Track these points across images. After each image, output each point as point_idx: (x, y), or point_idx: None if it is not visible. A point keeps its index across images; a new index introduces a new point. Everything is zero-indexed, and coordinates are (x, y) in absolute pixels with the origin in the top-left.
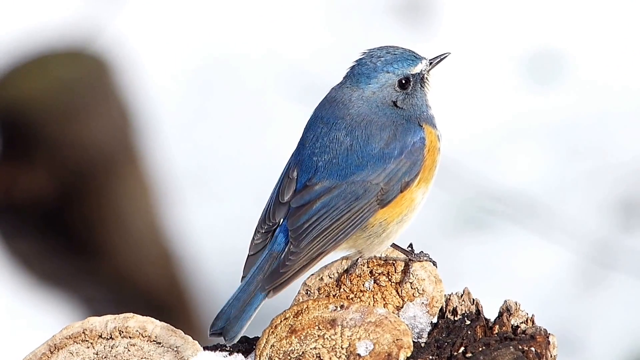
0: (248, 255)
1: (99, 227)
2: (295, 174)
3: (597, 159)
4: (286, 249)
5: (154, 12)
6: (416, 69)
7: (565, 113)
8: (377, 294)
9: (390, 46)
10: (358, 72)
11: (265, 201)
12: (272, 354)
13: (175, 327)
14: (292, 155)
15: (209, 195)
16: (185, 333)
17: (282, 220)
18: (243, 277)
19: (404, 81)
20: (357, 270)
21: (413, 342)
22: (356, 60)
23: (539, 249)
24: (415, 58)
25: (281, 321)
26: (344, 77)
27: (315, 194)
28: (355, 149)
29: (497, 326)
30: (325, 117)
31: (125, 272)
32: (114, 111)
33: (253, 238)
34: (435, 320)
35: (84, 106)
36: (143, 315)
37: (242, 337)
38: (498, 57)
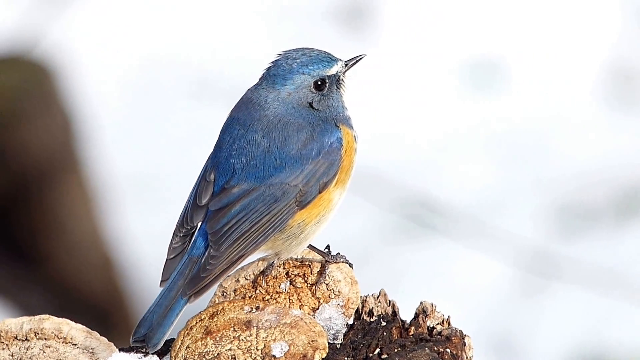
0: (167, 259)
1: (39, 234)
2: (212, 176)
3: (537, 168)
4: (206, 253)
5: (94, 18)
6: (332, 71)
7: (505, 122)
8: (293, 295)
9: (306, 48)
10: (274, 74)
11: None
12: (187, 356)
13: (115, 333)
14: (209, 157)
15: (148, 201)
16: (124, 339)
17: (200, 223)
18: (162, 282)
19: (319, 82)
20: (273, 271)
21: (328, 343)
22: (272, 62)
23: (478, 258)
24: (330, 60)
25: (196, 322)
26: (260, 79)
27: (234, 196)
28: (273, 150)
29: (413, 327)
30: (242, 118)
31: (65, 279)
32: (56, 117)
33: (171, 242)
34: (351, 321)
35: (25, 112)
36: (80, 321)
37: None
38: (438, 65)
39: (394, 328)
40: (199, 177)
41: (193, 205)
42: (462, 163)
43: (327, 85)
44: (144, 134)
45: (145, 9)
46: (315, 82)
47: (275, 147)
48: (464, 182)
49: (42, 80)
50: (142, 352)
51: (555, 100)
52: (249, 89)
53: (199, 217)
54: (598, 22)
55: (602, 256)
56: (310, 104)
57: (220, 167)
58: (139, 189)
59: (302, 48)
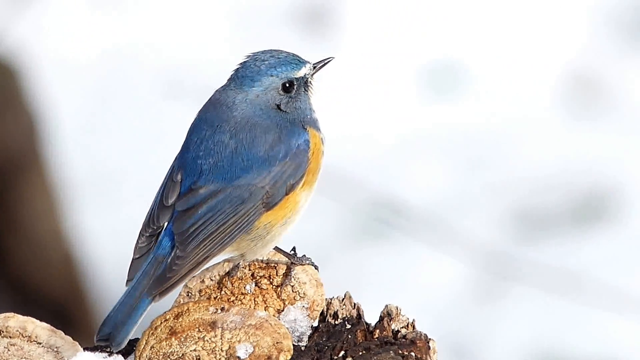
0: (132, 259)
1: (0, 230)
2: (179, 177)
3: (496, 172)
4: (172, 253)
5: (58, 17)
6: (300, 73)
7: (465, 126)
8: (258, 297)
9: (274, 50)
10: (242, 75)
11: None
12: (152, 356)
13: (74, 331)
14: (176, 158)
15: (109, 200)
16: (84, 337)
17: (166, 224)
18: (128, 281)
19: (287, 85)
20: (238, 273)
21: (293, 345)
22: (240, 63)
23: (438, 260)
24: (299, 62)
25: (161, 322)
26: (228, 80)
27: (201, 197)
28: (240, 151)
29: (377, 330)
30: (210, 119)
31: (25, 276)
32: (19, 116)
33: (137, 241)
34: (316, 323)
35: None
36: (39, 319)
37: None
38: (400, 68)
39: (358, 331)
40: (165, 177)
41: (159, 205)
42: (424, 165)
43: (294, 87)
44: (106, 133)
45: (109, 9)
46: (284, 84)
47: (242, 148)
48: (425, 184)
49: (5, 79)
50: (107, 352)
51: (515, 105)
52: (217, 90)
53: (165, 217)
54: (560, 27)
55: (559, 260)
56: (278, 106)
57: (187, 167)
58: (100, 188)
59: (271, 50)
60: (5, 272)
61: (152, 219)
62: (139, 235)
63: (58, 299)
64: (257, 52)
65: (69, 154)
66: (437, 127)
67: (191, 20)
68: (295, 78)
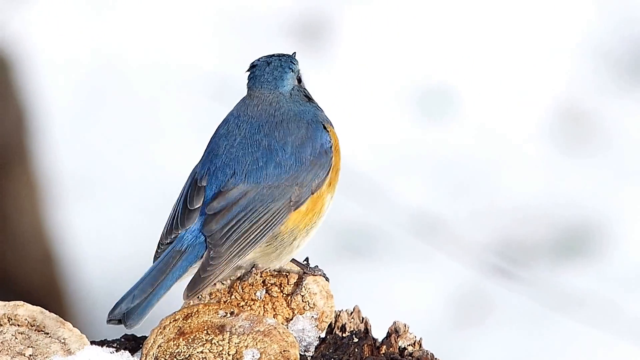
0: None
1: None
2: (204, 182)
3: (480, 199)
4: (204, 255)
5: (54, 12)
6: (299, 65)
7: (453, 151)
8: (268, 304)
9: (271, 53)
10: (269, 77)
11: (147, 211)
12: (159, 354)
13: None
14: (201, 162)
15: (93, 200)
16: None
17: (190, 227)
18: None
19: (299, 78)
20: (250, 278)
21: (300, 355)
22: (255, 67)
23: (418, 283)
24: (291, 56)
25: (170, 322)
26: (251, 86)
27: (232, 198)
28: (271, 151)
29: (384, 346)
30: (240, 122)
31: (4, 269)
32: (8, 109)
33: (156, 250)
34: (323, 335)
35: None
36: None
37: (130, 335)
38: (390, 89)
39: (365, 345)
40: (187, 183)
41: (183, 210)
42: (406, 188)
43: (301, 79)
44: (94, 132)
45: (104, 8)
46: (298, 79)
47: (273, 148)
48: (409, 206)
49: None
50: (114, 347)
51: (503, 134)
52: (246, 97)
53: (191, 221)
54: (551, 61)
55: (536, 292)
56: (308, 97)
57: (215, 172)
58: (84, 187)
59: (271, 53)
60: None
61: (174, 224)
62: (158, 245)
63: (36, 295)
64: (263, 56)
65: (57, 151)
66: (424, 150)
67: (183, 25)
68: (299, 70)
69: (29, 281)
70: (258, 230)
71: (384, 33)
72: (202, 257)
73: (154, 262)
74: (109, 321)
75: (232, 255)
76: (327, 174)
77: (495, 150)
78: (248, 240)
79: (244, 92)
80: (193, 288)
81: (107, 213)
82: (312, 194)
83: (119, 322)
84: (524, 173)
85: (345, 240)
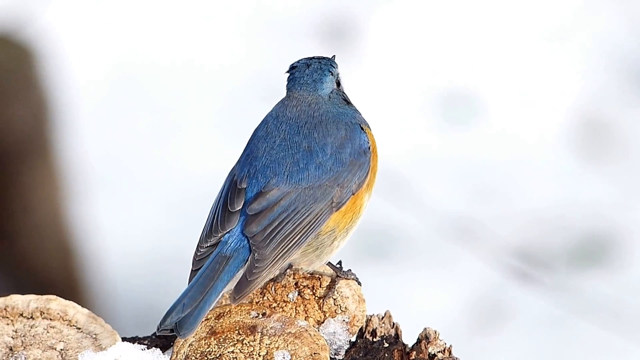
0: (192, 270)
1: (1, 214)
2: (244, 184)
3: (499, 205)
4: (250, 257)
5: (84, 8)
6: (339, 69)
7: (473, 156)
8: (299, 306)
9: (310, 56)
10: (309, 79)
11: (168, 207)
12: (190, 353)
13: None
14: (240, 163)
15: (115, 194)
16: None
17: (232, 229)
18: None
19: (338, 81)
20: (283, 280)
21: (330, 358)
22: (295, 69)
23: (435, 287)
24: (330, 59)
25: (202, 321)
26: (290, 88)
27: (273, 198)
28: (312, 153)
29: (414, 352)
30: (279, 124)
31: (23, 260)
32: (33, 100)
33: (196, 253)
34: (354, 339)
35: (3, 91)
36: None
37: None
38: (415, 92)
39: (395, 350)
40: (225, 185)
41: (223, 212)
42: (427, 191)
43: (340, 82)
44: (119, 127)
45: (131, 9)
46: (337, 82)
47: (314, 149)
48: (428, 210)
49: (25, 62)
50: (145, 344)
51: (524, 141)
52: (285, 99)
53: (232, 223)
54: (574, 69)
55: (555, 298)
56: (346, 101)
57: (255, 174)
58: (107, 181)
59: (311, 56)
60: (5, 255)
61: (214, 227)
62: (197, 248)
63: (51, 286)
64: (302, 59)
65: (80, 144)
66: (446, 153)
67: (210, 25)
68: (338, 73)
69: (47, 273)
70: (302, 232)
71: (409, 37)
72: (247, 260)
73: (193, 264)
74: (160, 331)
75: (277, 257)
76: (367, 174)
77: (517, 156)
78: (292, 242)
79: (267, 93)
80: (240, 291)
81: (128, 208)
82: (353, 194)
83: (171, 331)
84: (544, 179)
85: (365, 242)
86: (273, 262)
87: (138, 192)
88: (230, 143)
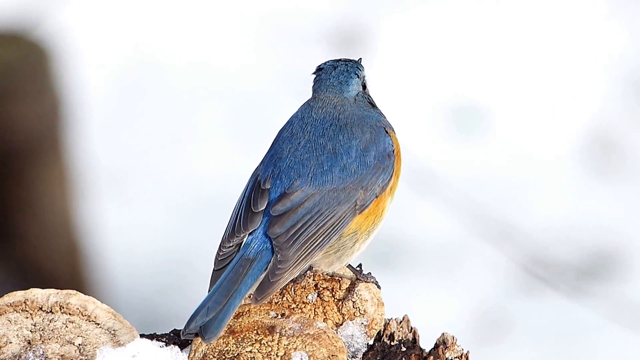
0: (214, 270)
1: (11, 211)
2: (268, 184)
3: (505, 219)
4: (273, 259)
5: (99, 8)
6: (365, 72)
7: (482, 168)
8: (318, 307)
9: (339, 58)
10: (335, 81)
11: (178, 210)
12: (208, 351)
13: None
14: (264, 164)
15: (122, 195)
16: None
17: (254, 230)
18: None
19: (364, 84)
20: (303, 281)
21: None
22: (322, 70)
23: (436, 301)
24: (357, 62)
25: None
26: (316, 89)
27: (297, 200)
28: (337, 154)
29: (431, 357)
30: (304, 125)
31: (30, 258)
32: (45, 99)
33: (218, 253)
34: (371, 342)
35: (16, 90)
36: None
37: (179, 330)
38: (425, 103)
39: (413, 355)
40: (249, 185)
41: (246, 212)
42: (436, 203)
43: (366, 86)
44: (131, 128)
45: (146, 8)
46: (363, 85)
47: (339, 151)
48: (435, 221)
49: (38, 60)
50: (163, 341)
51: (533, 155)
52: (310, 100)
53: (255, 223)
54: (585, 86)
55: (555, 318)
56: (372, 104)
57: (279, 174)
58: (115, 181)
59: (338, 58)
60: (10, 250)
61: (237, 227)
62: (220, 247)
63: (58, 285)
64: (329, 60)
65: (92, 144)
66: (455, 166)
67: (223, 29)
68: (364, 76)
69: (54, 270)
70: (325, 234)
71: (420, 48)
72: (270, 262)
73: (215, 264)
74: (185, 335)
75: (300, 259)
76: (390, 178)
77: (525, 170)
78: (315, 244)
79: (276, 98)
80: (262, 292)
81: (137, 209)
82: (376, 197)
83: (196, 335)
84: (552, 194)
85: (372, 250)
86: (296, 264)
87: (145, 193)
88: (237, 146)
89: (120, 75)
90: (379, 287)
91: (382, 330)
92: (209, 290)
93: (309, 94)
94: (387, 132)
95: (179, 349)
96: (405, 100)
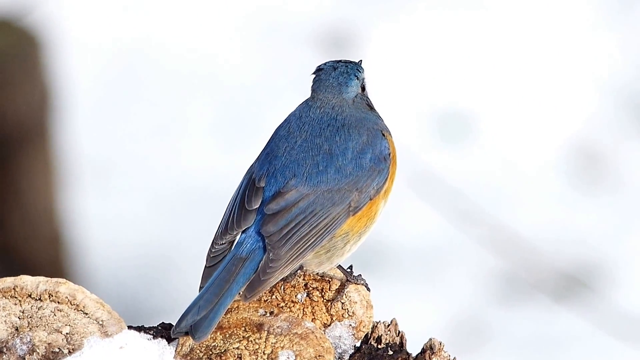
0: (205, 267)
1: None
2: (263, 182)
3: (489, 227)
4: (264, 257)
5: None
6: (365, 74)
7: (466, 176)
8: (307, 307)
9: (340, 59)
10: (335, 82)
11: (162, 202)
12: (195, 346)
13: None
14: (259, 162)
15: (108, 186)
16: None
17: (247, 228)
18: (201, 288)
19: (363, 86)
20: (293, 280)
21: None
22: (321, 70)
23: (414, 307)
24: (357, 63)
25: None
26: (315, 90)
27: (292, 199)
28: (333, 155)
29: None
30: (301, 124)
31: (12, 246)
32: (34, 87)
33: (210, 250)
34: (359, 344)
35: (5, 78)
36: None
37: (167, 323)
38: (411, 107)
39: (399, 358)
40: (243, 182)
41: (240, 210)
42: (420, 209)
43: (366, 89)
44: (118, 119)
45: (137, 1)
46: (362, 86)
47: (334, 152)
48: (417, 228)
49: (27, 48)
50: (151, 334)
51: (517, 165)
52: (308, 100)
53: (248, 221)
54: (572, 97)
55: (535, 328)
56: (370, 106)
57: (274, 173)
58: (102, 172)
59: (338, 59)
60: None
61: (230, 224)
62: (212, 244)
63: (39, 274)
64: (329, 61)
65: (79, 133)
66: (438, 174)
67: (213, 25)
68: (364, 78)
69: (35, 259)
70: (318, 234)
71: (408, 54)
72: (262, 260)
73: (207, 261)
74: (175, 334)
75: (292, 258)
76: (385, 180)
77: (510, 179)
78: (307, 244)
79: (262, 97)
80: (252, 290)
81: (121, 200)
82: (370, 199)
83: (186, 334)
84: (536, 204)
85: (353, 255)
86: (287, 263)
87: (130, 185)
88: (224, 141)
89: (108, 65)
90: (368, 289)
91: (370, 333)
92: (200, 288)
93: (298, 91)
94: (384, 135)
95: (166, 342)
96: (392, 106)
